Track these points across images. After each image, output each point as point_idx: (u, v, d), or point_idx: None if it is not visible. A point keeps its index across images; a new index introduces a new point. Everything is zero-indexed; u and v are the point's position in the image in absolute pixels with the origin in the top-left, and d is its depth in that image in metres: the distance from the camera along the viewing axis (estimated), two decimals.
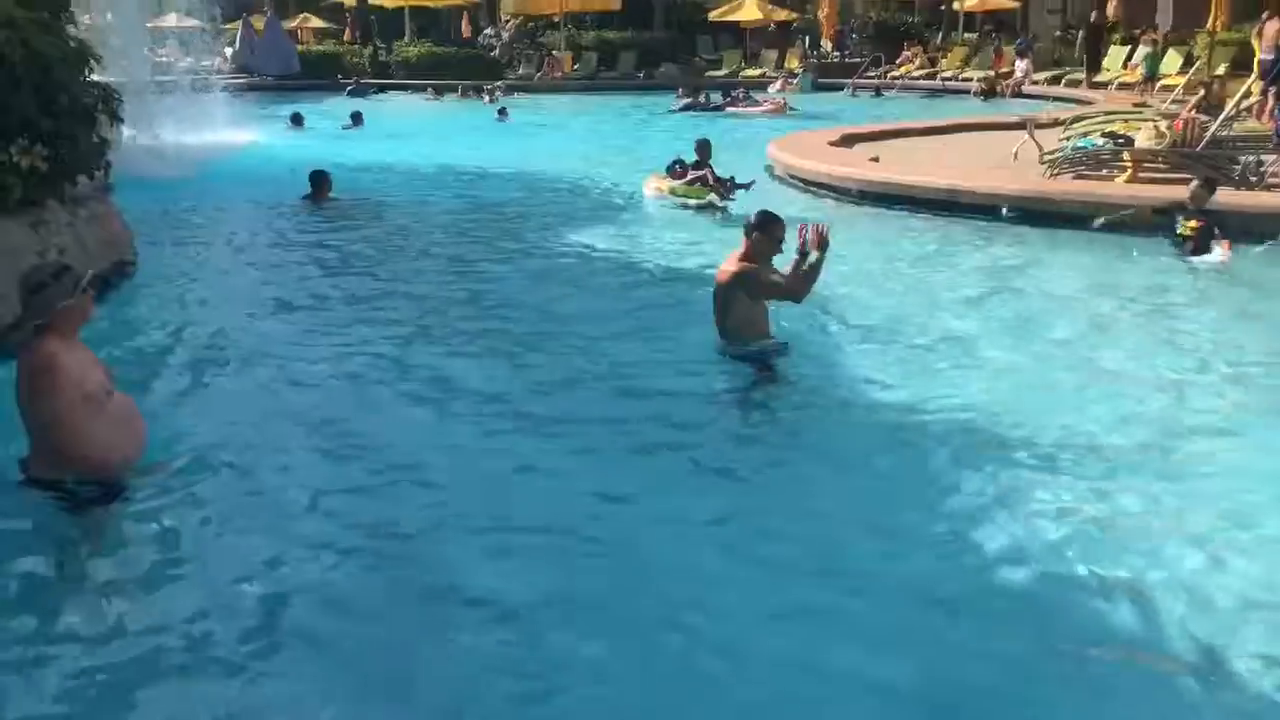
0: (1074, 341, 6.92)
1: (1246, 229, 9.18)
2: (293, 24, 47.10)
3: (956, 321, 7.34)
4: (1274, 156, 11.17)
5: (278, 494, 4.76)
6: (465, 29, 44.28)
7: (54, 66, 7.24)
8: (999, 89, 28.31)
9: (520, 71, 36.74)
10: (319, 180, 12.08)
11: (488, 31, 41.63)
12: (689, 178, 11.90)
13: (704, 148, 12.11)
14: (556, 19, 38.56)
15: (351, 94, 30.07)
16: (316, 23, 50.40)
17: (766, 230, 6.17)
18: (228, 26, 40.59)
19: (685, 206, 11.77)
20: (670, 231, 10.84)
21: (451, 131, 22.47)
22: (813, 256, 6.07)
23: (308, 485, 4.82)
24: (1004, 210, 10.72)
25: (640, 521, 4.51)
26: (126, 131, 11.15)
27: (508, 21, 40.18)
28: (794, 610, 3.81)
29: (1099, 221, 9.72)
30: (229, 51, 37.11)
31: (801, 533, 4.38)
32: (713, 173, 11.82)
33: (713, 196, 11.60)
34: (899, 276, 8.86)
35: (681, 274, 8.88)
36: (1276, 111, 13.52)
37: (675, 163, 12.27)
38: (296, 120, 21.96)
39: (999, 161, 13.13)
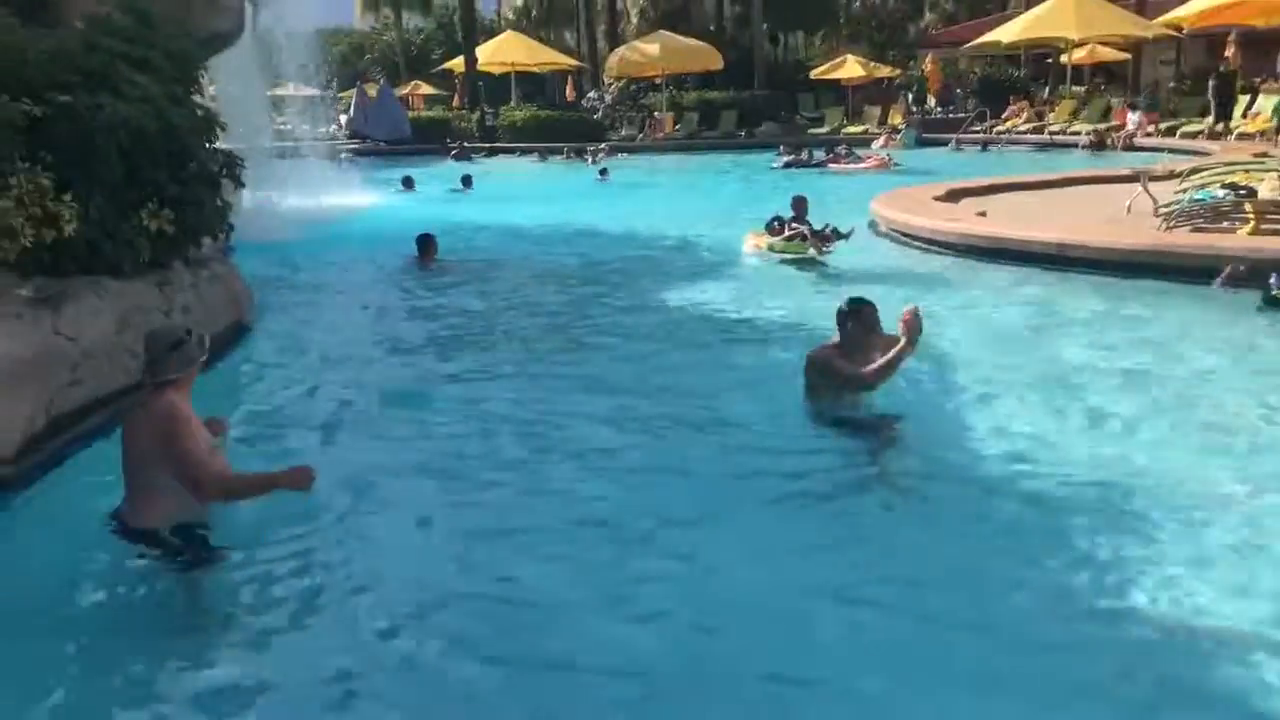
0: (1188, 400, 6.64)
1: None
2: (404, 91, 48.98)
3: (1060, 379, 7.11)
4: None
5: (396, 548, 4.86)
6: (569, 92, 45.34)
7: (184, 136, 7.63)
8: (1110, 142, 27.73)
9: (623, 133, 37.38)
10: (425, 243, 12.41)
11: (591, 95, 42.53)
12: (786, 234, 11.92)
13: (800, 204, 12.16)
14: (658, 81, 39.19)
15: (455, 158, 30.93)
16: (427, 89, 52.28)
17: (859, 318, 6.20)
18: (343, 94, 42.35)
19: (784, 261, 11.77)
20: (768, 287, 10.84)
21: (556, 193, 22.92)
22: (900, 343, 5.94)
23: (424, 539, 4.96)
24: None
25: (732, 572, 4.50)
26: (247, 196, 11.65)
27: (610, 84, 41.00)
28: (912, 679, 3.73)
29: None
30: (343, 118, 38.63)
31: (898, 596, 4.29)
32: (810, 227, 11.81)
33: (811, 251, 11.57)
34: (1004, 332, 8.65)
35: (780, 330, 8.85)
36: None
37: (774, 219, 12.31)
38: (408, 183, 22.64)
39: (1110, 215, 12.82)
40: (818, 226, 11.80)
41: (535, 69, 44.40)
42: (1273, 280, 8.63)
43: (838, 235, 11.66)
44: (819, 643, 3.97)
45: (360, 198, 20.63)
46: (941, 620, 4.08)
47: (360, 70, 58.32)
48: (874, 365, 5.95)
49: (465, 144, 34.21)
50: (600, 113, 39.18)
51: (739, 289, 10.82)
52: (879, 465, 5.74)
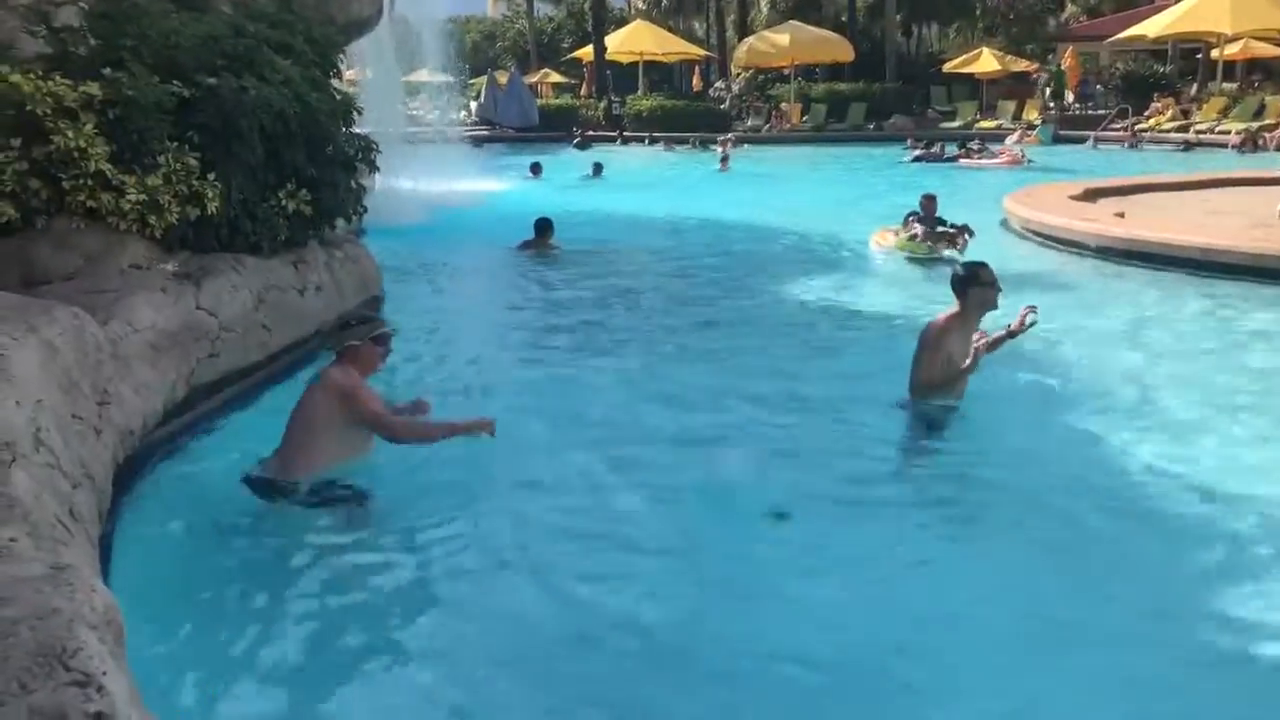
0: None
1: None
2: (534, 79, 49.54)
3: (1196, 391, 6.76)
4: None
5: (503, 527, 4.91)
6: (696, 82, 45.28)
7: (322, 119, 7.85)
8: (1262, 142, 26.36)
9: (749, 123, 37.12)
10: (543, 227, 12.50)
11: (718, 85, 42.37)
12: (910, 233, 11.64)
13: (929, 203, 11.88)
14: (787, 71, 38.80)
15: (578, 147, 31.19)
16: (556, 77, 52.83)
17: (978, 281, 6.00)
18: (474, 81, 43.11)
19: (910, 259, 11.52)
20: (891, 284, 10.67)
21: (682, 182, 22.94)
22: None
23: (534, 511, 5.01)
24: None
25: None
26: (379, 179, 11.95)
27: (738, 75, 40.75)
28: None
29: None
30: (474, 105, 39.32)
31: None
32: (934, 225, 11.50)
33: (946, 252, 11.26)
34: (1136, 339, 8.29)
35: (900, 327, 8.66)
36: None
37: (910, 215, 12.02)
38: (535, 170, 22.92)
39: (1260, 220, 12.19)
40: (954, 223, 11.50)
41: (663, 58, 44.41)
42: None
43: (968, 233, 11.33)
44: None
45: (488, 184, 20.96)
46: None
47: (492, 58, 59.35)
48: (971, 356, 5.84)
49: (588, 133, 34.45)
50: (727, 103, 39.00)
51: (862, 285, 10.68)
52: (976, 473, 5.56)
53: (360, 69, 17.16)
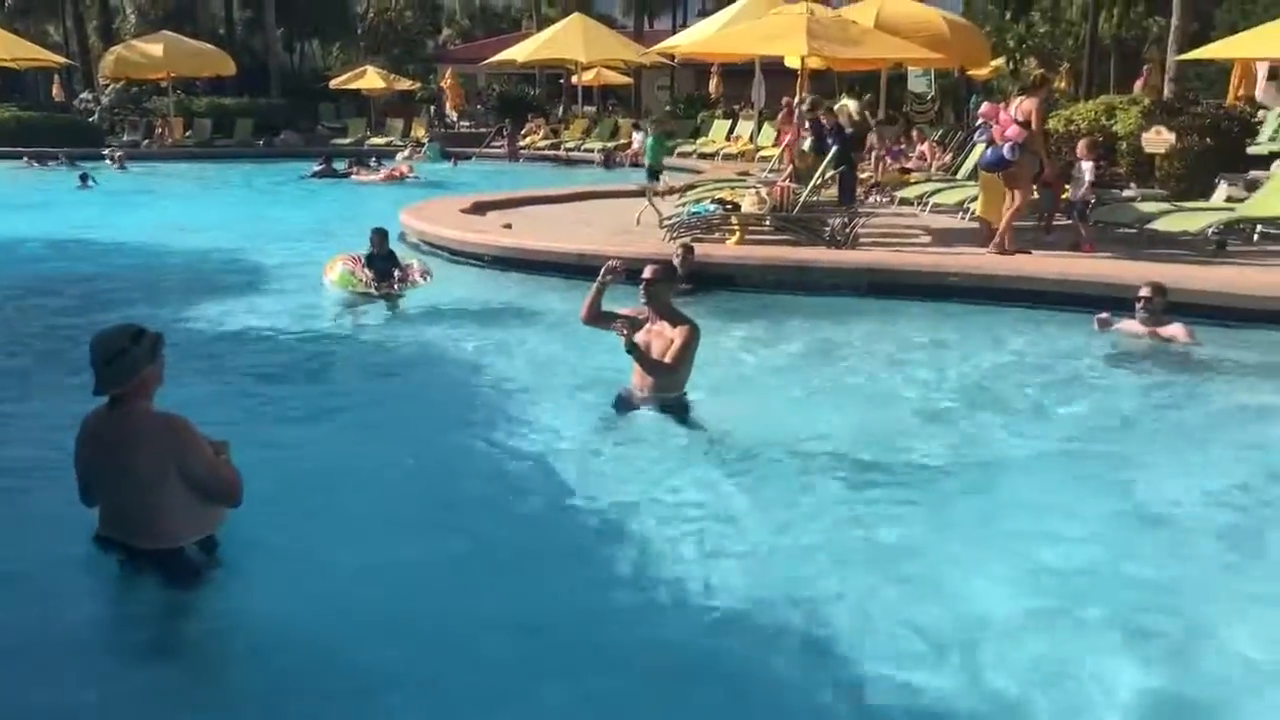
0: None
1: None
2: None
3: (575, 380, 7.74)
4: (851, 220, 12.61)
5: None
6: (57, 92, 40.84)
7: None
8: (618, 159, 29.91)
9: (125, 138, 34.20)
10: None
11: (84, 96, 38.49)
12: (363, 279, 10.63)
13: (380, 239, 10.98)
14: (164, 84, 36.38)
15: None
16: None
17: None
18: None
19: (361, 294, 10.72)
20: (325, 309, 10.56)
21: (63, 202, 20.67)
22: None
23: None
24: None
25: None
26: None
27: (108, 85, 37.37)
28: None
29: None
30: None
31: None
32: (387, 259, 10.84)
33: (397, 289, 10.66)
34: (528, 336, 9.22)
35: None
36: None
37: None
38: None
39: (624, 227, 13.84)
40: (409, 262, 11.02)
41: (14, 65, 39.31)
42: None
43: (427, 275, 10.90)
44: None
45: None
46: None
47: None
48: None
49: None
50: (96, 115, 35.60)
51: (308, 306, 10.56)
52: None
53: None
